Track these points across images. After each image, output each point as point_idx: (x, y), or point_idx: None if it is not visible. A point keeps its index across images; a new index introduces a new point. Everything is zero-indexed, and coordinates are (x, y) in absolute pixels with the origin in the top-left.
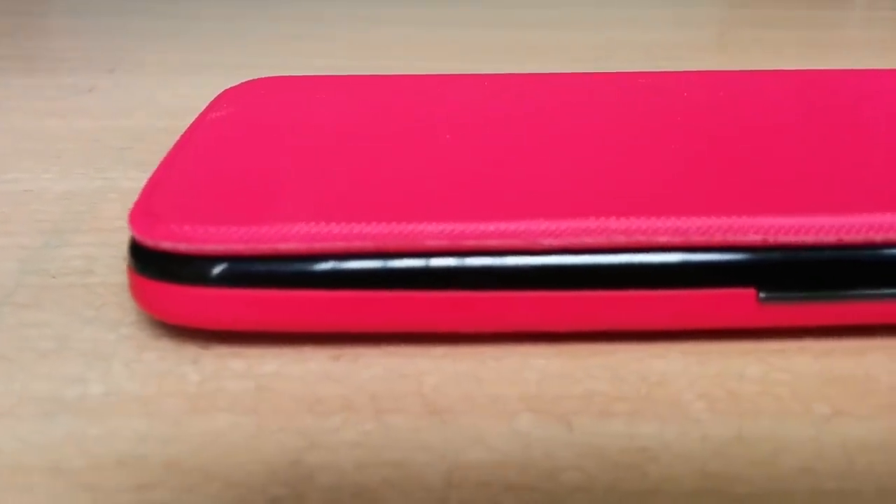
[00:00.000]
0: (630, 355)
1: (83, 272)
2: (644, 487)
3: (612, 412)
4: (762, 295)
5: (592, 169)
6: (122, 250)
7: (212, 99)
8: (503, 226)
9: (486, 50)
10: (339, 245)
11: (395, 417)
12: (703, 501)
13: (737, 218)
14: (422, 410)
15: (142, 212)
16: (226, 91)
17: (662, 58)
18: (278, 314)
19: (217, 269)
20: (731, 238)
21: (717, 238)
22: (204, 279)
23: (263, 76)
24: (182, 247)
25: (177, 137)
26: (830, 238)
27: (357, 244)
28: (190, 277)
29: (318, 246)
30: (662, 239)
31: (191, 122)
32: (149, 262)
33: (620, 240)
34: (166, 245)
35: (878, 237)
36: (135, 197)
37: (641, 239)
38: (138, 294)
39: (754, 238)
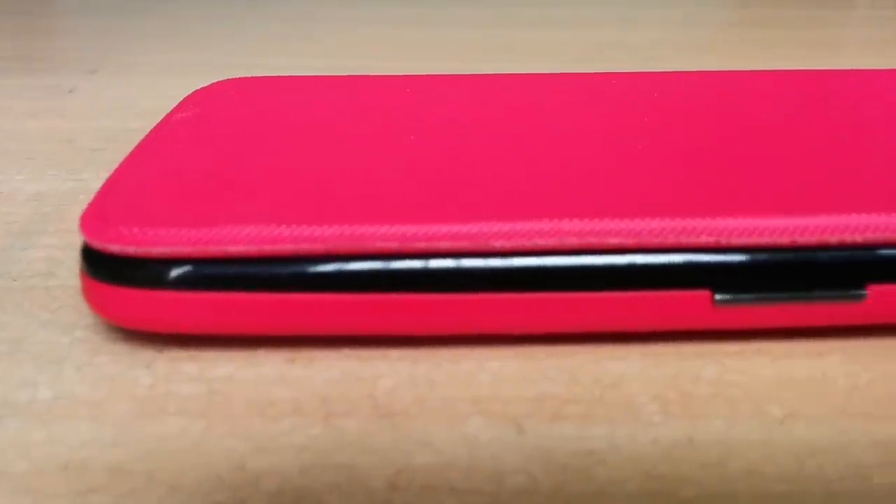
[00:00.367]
0: (587, 357)
1: (45, 274)
2: (589, 490)
3: (564, 415)
4: (717, 297)
5: (547, 170)
6: None
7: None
8: (454, 228)
9: (473, 50)
10: (289, 247)
11: (344, 421)
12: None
13: (689, 220)
14: (372, 414)
15: (93, 214)
16: (195, 92)
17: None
18: (226, 317)
19: (165, 272)
20: (685, 240)
21: (671, 240)
22: (152, 282)
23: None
24: (130, 249)
25: None
26: (784, 240)
27: (306, 246)
28: (138, 280)
29: (267, 248)
30: (614, 241)
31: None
32: (98, 265)
33: (572, 242)
34: (115, 248)
35: (833, 239)
36: None
37: (593, 241)
38: (90, 297)
39: (707, 240)
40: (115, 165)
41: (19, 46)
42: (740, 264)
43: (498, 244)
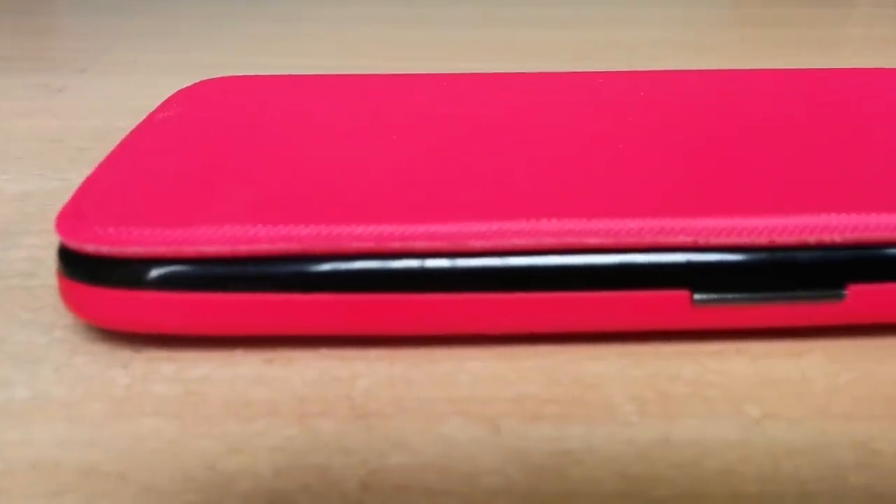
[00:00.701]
0: (567, 357)
1: (27, 274)
2: (563, 490)
3: (542, 415)
4: (696, 297)
5: (526, 170)
6: None
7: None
8: (431, 228)
9: (468, 49)
10: (264, 247)
11: (320, 421)
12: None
13: (667, 219)
14: (349, 414)
15: (69, 214)
16: (179, 91)
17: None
18: (202, 318)
19: (139, 272)
20: (662, 240)
21: (648, 240)
22: (126, 282)
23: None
24: (104, 249)
25: None
26: (762, 240)
27: (282, 246)
28: (113, 280)
29: (243, 248)
30: (592, 241)
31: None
32: (73, 264)
33: (550, 242)
34: (90, 248)
35: (812, 239)
36: None
37: (571, 241)
38: (66, 297)
39: (685, 240)
40: None
41: (9, 46)
42: (718, 264)
43: (475, 244)
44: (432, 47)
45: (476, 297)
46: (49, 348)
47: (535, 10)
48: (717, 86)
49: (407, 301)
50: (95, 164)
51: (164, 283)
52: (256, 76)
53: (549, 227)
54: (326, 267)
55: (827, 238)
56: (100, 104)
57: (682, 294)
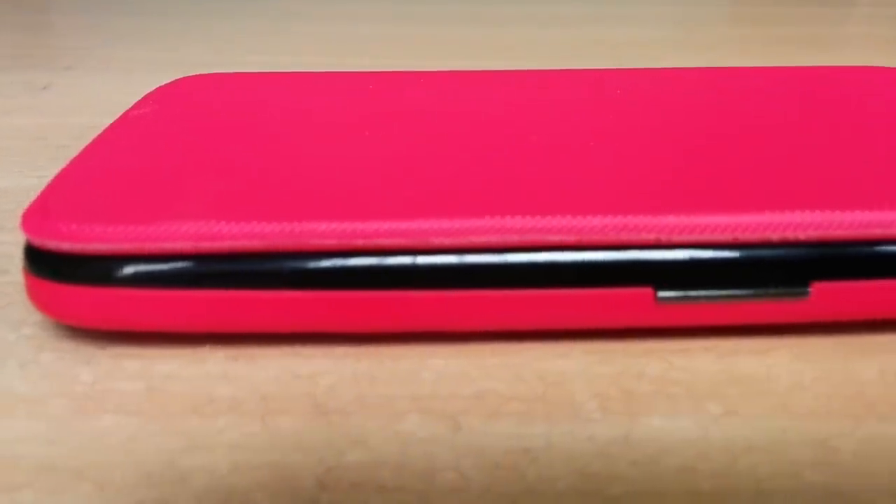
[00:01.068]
0: (533, 354)
1: None
2: (519, 489)
3: (503, 412)
4: (660, 294)
5: (490, 167)
6: None
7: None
8: (394, 225)
9: (453, 47)
10: (227, 244)
11: (281, 419)
12: (574, 502)
13: (631, 217)
14: (311, 412)
15: (34, 211)
16: (157, 88)
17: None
18: (164, 314)
19: (102, 269)
20: (626, 237)
21: (612, 237)
22: (89, 279)
23: None
24: (66, 246)
25: None
26: (726, 237)
27: (245, 243)
28: (76, 277)
29: (205, 245)
30: (556, 238)
31: None
32: (38, 261)
33: (513, 239)
34: (52, 244)
35: (775, 236)
36: None
37: (534, 238)
38: (32, 294)
39: (648, 237)
40: None
41: None
42: (682, 262)
43: (438, 241)
44: (421, 45)
45: (439, 294)
46: (16, 345)
47: (537, 8)
48: (688, 84)
49: (370, 298)
50: None
51: (127, 280)
52: (236, 73)
53: (513, 225)
54: (290, 264)
55: (791, 236)
56: (85, 102)
57: (645, 291)
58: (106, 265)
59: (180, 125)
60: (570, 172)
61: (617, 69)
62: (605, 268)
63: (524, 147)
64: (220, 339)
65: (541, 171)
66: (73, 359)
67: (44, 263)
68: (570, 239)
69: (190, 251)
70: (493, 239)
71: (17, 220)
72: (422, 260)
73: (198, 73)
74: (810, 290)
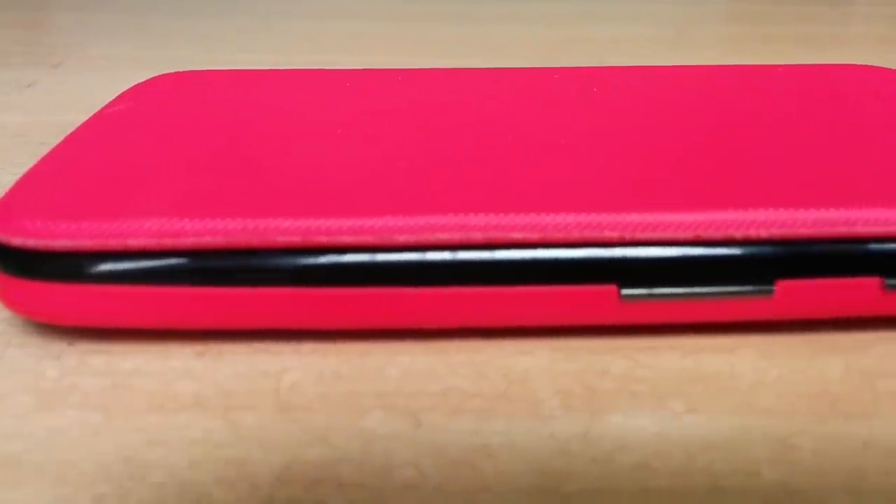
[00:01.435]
0: (499, 351)
1: None
2: (474, 485)
3: (465, 409)
4: (624, 292)
5: (454, 165)
6: None
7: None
8: (356, 222)
9: (438, 45)
10: (189, 241)
11: (244, 415)
12: (527, 499)
13: (594, 214)
14: (273, 408)
15: (0, 207)
16: (134, 86)
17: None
18: (128, 311)
19: (65, 266)
20: (589, 235)
21: (575, 235)
22: (53, 275)
23: None
24: (31, 242)
25: None
26: (688, 235)
27: (207, 240)
28: (40, 273)
29: (168, 242)
30: (518, 235)
31: None
32: (3, 257)
33: (477, 236)
34: (17, 241)
35: (738, 234)
36: None
37: (497, 235)
38: None
39: (611, 235)
40: None
41: None
42: (645, 259)
43: (401, 238)
44: (410, 43)
45: (403, 291)
46: None
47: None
48: (666, 82)
49: (334, 295)
50: None
51: (92, 277)
52: (213, 70)
53: (476, 222)
54: (253, 261)
55: (753, 233)
56: (69, 100)
57: (609, 289)
58: (71, 262)
59: (153, 122)
60: (537, 170)
61: (598, 67)
62: (569, 265)
63: (494, 145)
64: (188, 336)
65: (508, 168)
66: (40, 354)
67: (10, 260)
68: (534, 236)
69: (153, 248)
70: (457, 236)
71: None
72: (385, 257)
73: (182, 70)
74: (775, 288)
